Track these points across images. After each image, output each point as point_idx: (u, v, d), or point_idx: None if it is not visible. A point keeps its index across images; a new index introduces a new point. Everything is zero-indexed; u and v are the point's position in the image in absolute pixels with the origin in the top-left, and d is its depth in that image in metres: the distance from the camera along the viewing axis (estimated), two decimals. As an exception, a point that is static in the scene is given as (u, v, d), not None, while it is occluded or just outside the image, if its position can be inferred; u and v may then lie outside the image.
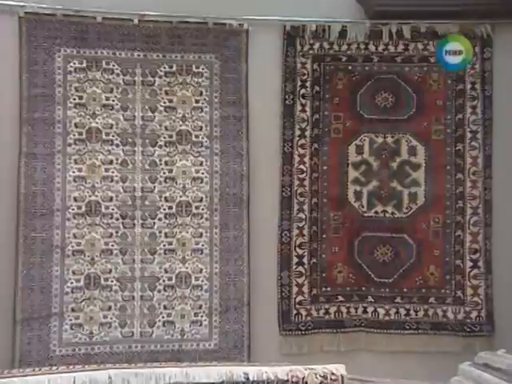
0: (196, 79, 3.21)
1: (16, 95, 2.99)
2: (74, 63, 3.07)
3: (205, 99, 3.21)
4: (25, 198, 2.98)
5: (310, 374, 2.56)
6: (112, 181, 3.12)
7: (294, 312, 3.23)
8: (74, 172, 3.07)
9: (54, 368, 2.45)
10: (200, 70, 3.20)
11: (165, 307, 3.12)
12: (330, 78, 3.26)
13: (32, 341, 2.94)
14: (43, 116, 3.02)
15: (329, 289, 3.27)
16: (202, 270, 3.17)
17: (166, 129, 3.18)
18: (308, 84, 3.25)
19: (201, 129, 3.21)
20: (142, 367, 2.63)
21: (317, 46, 3.25)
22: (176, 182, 3.18)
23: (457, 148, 3.27)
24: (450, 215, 3.26)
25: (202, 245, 3.18)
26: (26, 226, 2.98)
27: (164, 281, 3.14)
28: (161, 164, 3.17)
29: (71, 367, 2.55)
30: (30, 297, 2.96)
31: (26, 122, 2.99)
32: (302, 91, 3.26)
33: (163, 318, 3.12)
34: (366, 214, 3.29)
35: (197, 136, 3.21)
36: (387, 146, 3.29)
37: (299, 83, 3.25)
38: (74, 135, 3.08)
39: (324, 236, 3.27)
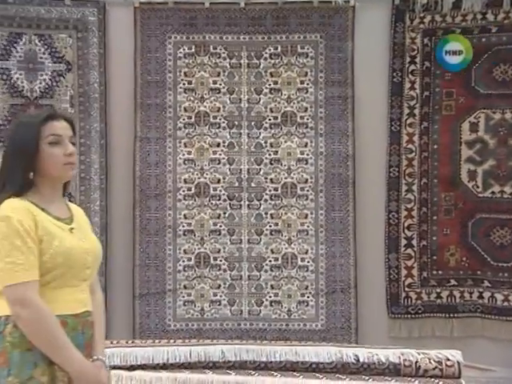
0: (301, 60, 3.19)
1: (131, 82, 3.15)
2: (184, 49, 3.18)
3: (310, 80, 3.20)
4: (140, 181, 3.15)
5: (423, 358, 2.50)
6: (219, 163, 3.20)
7: (403, 295, 3.16)
8: (183, 155, 3.19)
9: (172, 341, 2.60)
10: (305, 50, 3.19)
11: (272, 287, 3.17)
12: (442, 52, 3.12)
13: (149, 315, 3.13)
14: (155, 101, 3.16)
15: (440, 272, 3.16)
16: (307, 251, 3.18)
17: (271, 111, 3.21)
18: (417, 60, 3.13)
19: (306, 110, 3.20)
20: (253, 344, 2.71)
21: (428, 19, 3.12)
22: (281, 164, 3.20)
23: None
24: None
25: (308, 226, 3.19)
26: (142, 207, 3.15)
27: (270, 261, 3.18)
28: (266, 146, 3.20)
29: (186, 341, 2.69)
30: (147, 274, 3.14)
31: (139, 108, 3.15)
32: (411, 68, 3.14)
33: (270, 297, 3.17)
34: (481, 195, 3.13)
35: (302, 117, 3.20)
36: (505, 122, 3.10)
37: (408, 59, 3.13)
38: (184, 119, 3.19)
39: (434, 218, 3.15)
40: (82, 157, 3.11)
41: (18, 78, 3.05)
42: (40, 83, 3.07)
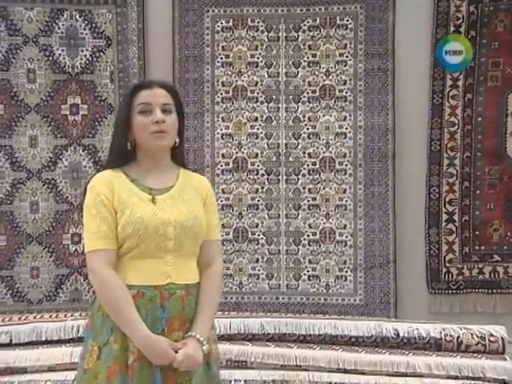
0: (340, 32, 3.13)
1: (169, 57, 3.15)
2: (222, 23, 3.16)
3: (349, 52, 3.14)
4: (178, 155, 3.17)
5: (465, 333, 2.48)
6: (257, 137, 3.19)
7: (444, 270, 3.12)
8: (221, 129, 3.19)
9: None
10: (344, 21, 3.12)
11: (310, 261, 3.18)
12: (489, 20, 3.01)
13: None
14: (193, 76, 3.16)
15: (483, 247, 3.10)
16: (345, 225, 3.16)
17: (310, 84, 3.17)
18: (462, 29, 3.03)
19: (344, 83, 3.15)
20: (292, 317, 2.73)
21: (474, -16, 3.01)
22: (319, 138, 3.17)
23: None
24: None
25: (346, 201, 3.17)
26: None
27: (308, 236, 3.18)
28: (304, 120, 3.17)
29: (226, 313, 2.73)
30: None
31: (178, 83, 3.15)
32: (456, 38, 3.05)
33: (308, 271, 3.17)
34: (527, 169, 3.04)
35: (340, 90, 3.15)
36: (555, 93, 2.99)
37: (452, 29, 3.03)
38: (222, 94, 3.19)
39: (477, 192, 3.08)
40: (122, 132, 3.15)
41: (59, 54, 3.08)
42: (81, 59, 3.10)
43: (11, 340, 2.50)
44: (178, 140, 1.71)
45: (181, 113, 1.72)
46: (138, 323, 1.54)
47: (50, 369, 2.41)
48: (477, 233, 3.10)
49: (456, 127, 3.08)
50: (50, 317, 2.65)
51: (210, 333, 1.66)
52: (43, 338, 2.51)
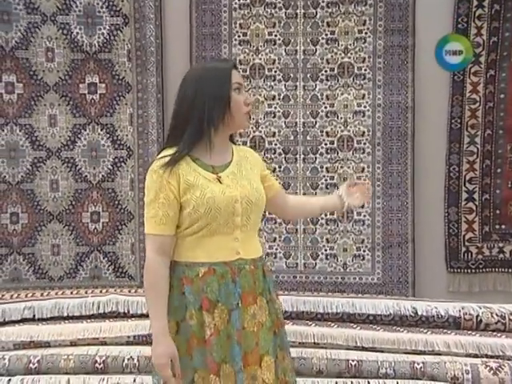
0: (359, 8, 3.08)
1: (187, 35, 3.13)
2: (239, 0, 3.12)
3: (368, 29, 3.09)
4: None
5: (484, 312, 2.47)
6: (275, 116, 3.17)
7: (463, 249, 3.09)
8: (239, 109, 3.17)
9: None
10: (364, -3, 3.07)
11: (327, 240, 3.17)
12: (514, -7, 2.94)
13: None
14: (211, 54, 3.14)
15: (503, 226, 3.07)
16: (363, 205, 3.14)
17: (328, 62, 3.13)
18: (486, 3, 2.96)
19: (363, 60, 3.11)
20: (310, 296, 2.74)
21: (498, -42, 2.93)
22: (337, 117, 3.14)
23: None
24: None
25: (364, 179, 3.13)
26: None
27: (326, 215, 3.17)
28: (322, 98, 3.14)
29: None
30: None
31: (195, 61, 3.13)
32: (478, 12, 2.97)
33: (326, 250, 3.17)
34: (550, 147, 2.99)
35: (359, 68, 3.11)
36: None
37: (475, 3, 2.97)
38: (239, 72, 3.16)
39: (498, 170, 3.04)
40: (140, 111, 3.15)
41: (77, 33, 3.08)
42: (98, 37, 3.09)
43: (34, 315, 2.57)
44: None
45: None
46: (160, 315, 1.60)
47: (72, 343, 2.47)
48: (497, 211, 3.06)
49: (477, 104, 3.03)
50: (71, 293, 2.70)
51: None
52: (65, 314, 2.57)
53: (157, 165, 1.64)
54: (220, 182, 1.64)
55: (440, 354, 2.38)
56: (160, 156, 1.67)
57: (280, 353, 1.71)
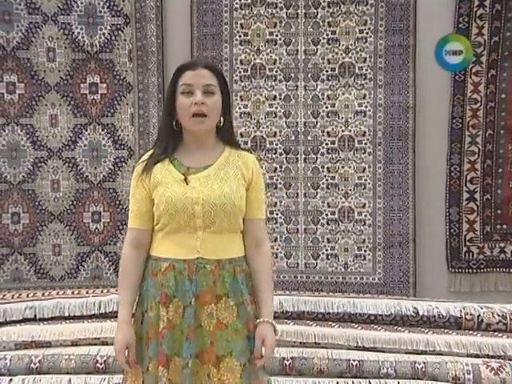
0: (360, 8, 3.08)
1: (188, 35, 3.13)
2: (240, 0, 3.12)
3: (369, 28, 3.09)
4: (197, 134, 3.17)
5: (486, 312, 2.46)
6: (276, 116, 3.17)
7: (464, 249, 3.10)
8: (240, 108, 3.18)
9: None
10: (365, -3, 3.07)
11: (328, 240, 3.17)
12: (515, -7, 2.94)
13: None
14: (212, 54, 3.14)
15: (504, 226, 3.07)
16: (364, 204, 3.15)
17: (329, 62, 3.13)
18: (487, 3, 2.96)
19: (364, 60, 3.11)
20: (311, 295, 2.74)
21: (500, -42, 2.94)
22: (338, 116, 3.14)
23: None
24: None
25: (365, 179, 3.14)
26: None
27: (327, 215, 3.17)
28: (323, 98, 3.14)
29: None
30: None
31: (196, 61, 3.14)
32: (480, 12, 2.97)
33: (327, 250, 3.17)
34: (551, 147, 2.99)
35: (360, 68, 3.11)
36: None
37: (476, 3, 2.97)
38: (240, 72, 3.16)
39: (500, 170, 3.04)
40: (141, 111, 3.15)
41: (78, 33, 3.08)
42: (100, 37, 3.09)
43: (35, 315, 2.57)
44: (222, 120, 1.72)
45: (226, 93, 1.72)
46: (125, 303, 1.68)
47: (73, 343, 2.47)
48: (498, 211, 3.06)
49: (478, 104, 3.03)
50: (73, 293, 2.70)
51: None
52: (66, 314, 2.57)
53: (138, 163, 1.75)
54: (186, 183, 1.65)
55: (441, 354, 2.38)
56: (144, 156, 1.76)
57: (252, 357, 1.68)
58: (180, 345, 1.62)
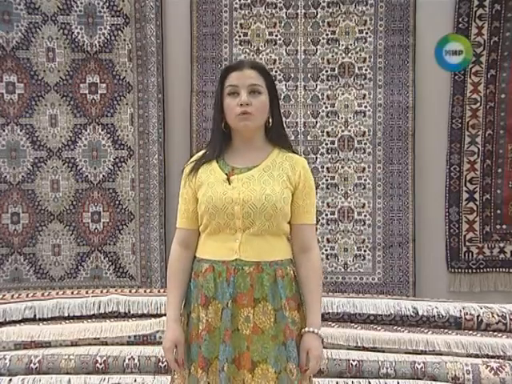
0: (360, 8, 3.08)
1: (187, 35, 3.13)
2: (240, 0, 3.12)
3: (369, 28, 3.09)
4: (197, 134, 3.17)
5: (485, 312, 2.46)
6: (275, 116, 3.17)
7: (464, 249, 3.10)
8: (240, 108, 3.17)
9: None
10: (364, -3, 3.07)
11: (328, 240, 3.17)
12: (514, -7, 2.94)
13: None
14: (211, 54, 3.14)
15: (504, 226, 3.07)
16: (364, 205, 3.15)
17: (328, 62, 3.13)
18: (486, 3, 2.96)
19: (364, 60, 3.11)
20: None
21: (500, -43, 2.94)
22: (338, 117, 3.14)
23: None
24: None
25: (365, 180, 3.15)
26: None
27: (327, 215, 3.17)
28: (323, 98, 3.14)
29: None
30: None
31: (196, 61, 3.13)
32: (479, 12, 2.98)
33: (326, 250, 3.18)
34: (551, 147, 2.99)
35: (360, 68, 3.11)
36: None
37: (476, 3, 2.97)
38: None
39: (499, 170, 3.04)
40: (141, 111, 3.15)
41: (78, 33, 3.08)
42: (99, 37, 3.09)
43: (35, 315, 2.57)
44: (270, 120, 1.70)
45: (273, 92, 1.71)
46: (172, 303, 1.69)
47: (73, 343, 2.47)
48: (498, 211, 3.06)
49: (478, 104, 3.03)
50: (72, 293, 2.70)
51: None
52: (66, 314, 2.57)
53: (186, 164, 1.75)
54: (228, 183, 1.64)
55: (441, 354, 2.38)
56: (194, 157, 1.78)
57: (288, 365, 1.62)
58: (216, 346, 1.61)
